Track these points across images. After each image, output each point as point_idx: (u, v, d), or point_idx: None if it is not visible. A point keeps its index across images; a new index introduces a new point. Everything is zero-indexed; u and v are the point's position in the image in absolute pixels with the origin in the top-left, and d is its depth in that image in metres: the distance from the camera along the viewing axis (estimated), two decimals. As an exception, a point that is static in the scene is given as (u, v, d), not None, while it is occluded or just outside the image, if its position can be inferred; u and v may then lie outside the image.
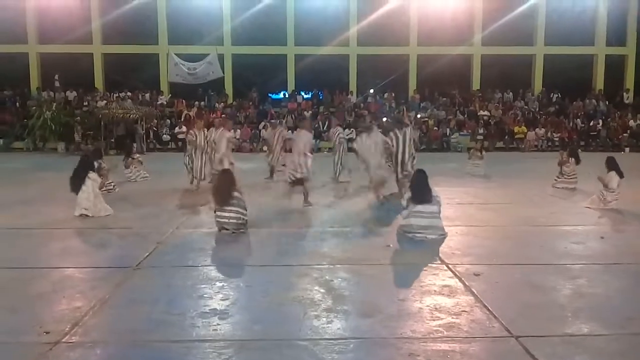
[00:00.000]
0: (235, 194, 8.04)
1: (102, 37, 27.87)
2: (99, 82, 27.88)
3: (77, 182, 9.34)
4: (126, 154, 14.48)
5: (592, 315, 4.95)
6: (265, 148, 16.33)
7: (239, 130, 23.98)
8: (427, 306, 5.13)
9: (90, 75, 27.83)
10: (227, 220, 7.94)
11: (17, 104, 26.54)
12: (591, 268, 6.46)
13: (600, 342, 4.42)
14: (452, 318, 4.84)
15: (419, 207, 7.72)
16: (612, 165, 10.24)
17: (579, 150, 14.51)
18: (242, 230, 8.00)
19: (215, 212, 8.08)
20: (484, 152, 16.29)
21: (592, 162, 10.69)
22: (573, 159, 12.68)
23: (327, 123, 24.52)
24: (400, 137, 10.80)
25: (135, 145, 19.60)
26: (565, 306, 5.17)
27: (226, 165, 11.31)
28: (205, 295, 5.44)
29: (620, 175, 10.09)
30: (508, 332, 4.55)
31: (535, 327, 4.65)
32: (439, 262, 6.64)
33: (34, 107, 24.51)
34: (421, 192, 7.84)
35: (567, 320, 4.85)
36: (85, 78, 27.63)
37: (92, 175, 9.49)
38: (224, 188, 8.07)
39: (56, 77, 27.12)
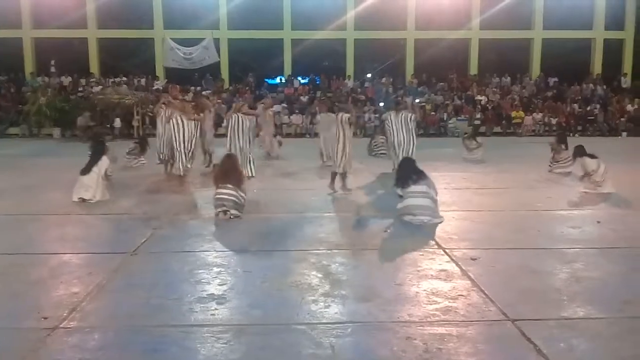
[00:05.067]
0: (241, 178, 8.17)
1: (96, 21, 27.66)
2: (94, 67, 27.72)
3: (91, 165, 9.38)
4: (141, 148, 14.23)
5: (588, 298, 4.98)
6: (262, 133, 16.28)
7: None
8: (424, 290, 5.15)
9: (85, 60, 27.66)
10: (226, 197, 7.94)
11: (12, 89, 26.38)
12: (587, 252, 6.49)
13: (596, 326, 4.45)
14: (449, 302, 4.86)
15: (413, 187, 7.74)
16: (578, 153, 10.36)
17: (576, 135, 14.51)
18: (239, 212, 8.01)
19: (216, 189, 8.10)
20: (478, 139, 16.13)
21: (590, 147, 10.67)
22: (563, 145, 12.74)
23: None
24: (396, 121, 10.90)
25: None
26: (561, 290, 5.20)
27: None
28: (202, 281, 5.45)
29: (592, 157, 10.12)
30: (504, 315, 4.58)
31: (531, 310, 4.68)
32: (436, 246, 6.66)
33: (29, 93, 24.36)
34: (410, 172, 7.90)
35: (563, 303, 4.87)
36: (80, 63, 27.47)
37: (104, 158, 9.52)
38: (234, 169, 8.16)
39: (52, 62, 26.95)
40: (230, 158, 8.49)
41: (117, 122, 23.09)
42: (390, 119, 11.04)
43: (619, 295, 5.07)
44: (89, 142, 11.19)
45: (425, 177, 7.92)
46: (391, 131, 11.00)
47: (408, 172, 8.00)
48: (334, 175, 10.08)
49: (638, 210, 8.99)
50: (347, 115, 9.89)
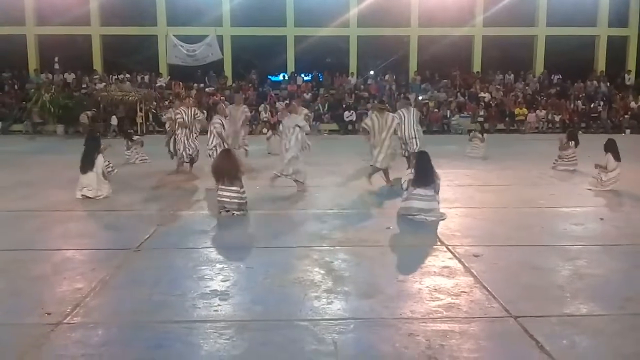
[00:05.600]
0: (239, 174, 8.09)
1: (100, 18, 27.62)
2: (97, 64, 27.69)
3: (87, 163, 9.38)
4: (126, 136, 14.54)
5: (590, 295, 4.99)
6: (265, 130, 16.19)
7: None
8: (427, 287, 5.16)
9: (89, 57, 27.63)
10: (228, 200, 7.94)
11: (16, 86, 26.42)
12: (590, 249, 6.49)
13: (598, 322, 4.45)
14: (452, 299, 4.87)
15: (419, 190, 7.73)
16: (609, 147, 10.24)
17: (579, 132, 14.49)
18: (242, 211, 8.02)
19: (217, 190, 8.09)
20: (484, 135, 16.20)
21: (593, 144, 10.68)
22: (573, 141, 12.72)
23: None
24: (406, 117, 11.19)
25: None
26: (564, 287, 5.20)
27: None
28: (205, 277, 5.47)
29: (617, 158, 10.07)
30: (507, 312, 4.58)
31: (534, 307, 4.69)
32: (439, 243, 6.67)
33: (33, 90, 24.40)
34: (424, 174, 7.84)
35: (565, 300, 4.88)
36: (83, 60, 27.46)
37: (100, 157, 9.54)
38: (230, 167, 8.08)
39: (56, 59, 26.99)
40: (227, 153, 8.44)
41: (114, 120, 23.02)
42: (403, 114, 11.37)
43: (621, 292, 5.08)
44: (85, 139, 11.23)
45: (434, 181, 7.88)
46: (403, 125, 11.27)
47: (423, 172, 7.91)
48: (374, 170, 10.52)
49: (641, 207, 8.99)
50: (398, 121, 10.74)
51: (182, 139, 12.32)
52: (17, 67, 27.35)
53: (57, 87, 24.71)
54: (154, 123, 23.77)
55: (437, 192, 7.88)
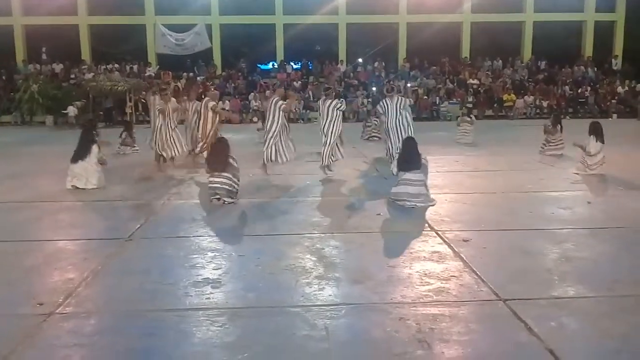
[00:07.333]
0: (232, 162, 8.11)
1: (87, 7, 27.46)
2: (85, 54, 27.55)
3: (81, 153, 9.34)
4: (127, 129, 14.34)
5: (578, 278, 5.04)
6: (255, 119, 16.13)
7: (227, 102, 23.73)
8: (417, 272, 5.20)
9: (77, 47, 27.48)
10: (219, 186, 7.95)
11: (3, 77, 26.21)
12: (578, 232, 6.56)
13: (586, 304, 4.50)
14: (442, 283, 4.91)
15: (408, 175, 7.78)
16: (592, 130, 10.29)
17: (567, 117, 14.53)
18: (232, 199, 8.03)
19: (208, 178, 8.10)
20: (472, 117, 16.18)
21: (580, 129, 10.74)
22: (559, 125, 12.81)
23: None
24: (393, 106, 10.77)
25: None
26: (552, 270, 5.25)
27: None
28: (197, 265, 5.48)
29: (601, 140, 10.12)
30: (496, 295, 4.63)
31: (522, 290, 4.73)
32: (428, 229, 6.71)
33: (21, 81, 24.26)
34: (409, 159, 7.91)
35: (554, 283, 4.93)
36: (71, 50, 27.29)
37: (94, 147, 9.50)
38: (221, 154, 8.10)
39: (43, 49, 26.81)
40: (220, 142, 8.46)
41: (71, 110, 22.81)
42: (386, 104, 10.88)
43: (609, 274, 5.13)
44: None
45: (422, 164, 7.95)
46: (387, 117, 10.85)
47: (410, 156, 7.99)
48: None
49: (627, 191, 9.06)
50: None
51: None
52: (5, 58, 27.17)
53: (45, 77, 24.59)
54: (143, 113, 23.66)
55: (425, 175, 7.94)
